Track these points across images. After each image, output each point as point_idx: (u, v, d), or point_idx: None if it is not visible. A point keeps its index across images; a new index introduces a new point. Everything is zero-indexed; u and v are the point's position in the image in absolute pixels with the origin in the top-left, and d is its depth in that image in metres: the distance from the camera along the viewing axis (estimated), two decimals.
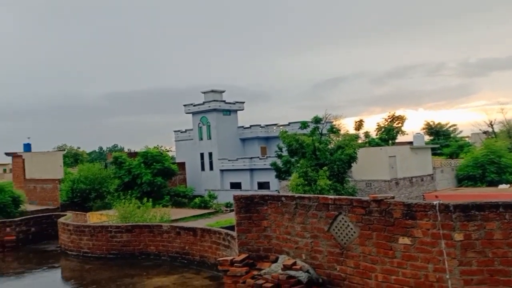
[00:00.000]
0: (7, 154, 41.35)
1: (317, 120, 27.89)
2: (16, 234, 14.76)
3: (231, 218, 27.68)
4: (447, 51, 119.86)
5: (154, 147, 40.65)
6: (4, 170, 56.92)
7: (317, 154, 25.95)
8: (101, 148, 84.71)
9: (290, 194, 8.74)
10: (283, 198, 8.23)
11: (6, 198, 24.94)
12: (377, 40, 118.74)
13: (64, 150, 62.06)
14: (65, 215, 15.80)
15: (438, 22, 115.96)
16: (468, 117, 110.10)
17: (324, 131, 28.33)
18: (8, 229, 14.73)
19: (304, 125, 28.75)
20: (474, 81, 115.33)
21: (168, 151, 50.89)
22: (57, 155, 44.53)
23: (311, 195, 7.92)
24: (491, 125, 50.22)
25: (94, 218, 26.13)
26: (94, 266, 11.98)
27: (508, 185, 31.41)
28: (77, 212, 25.97)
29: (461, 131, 56.22)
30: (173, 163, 40.26)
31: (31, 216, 16.72)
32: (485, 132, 51.01)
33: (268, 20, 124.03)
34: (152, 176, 34.72)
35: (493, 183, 32.93)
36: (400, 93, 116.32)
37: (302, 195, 8.03)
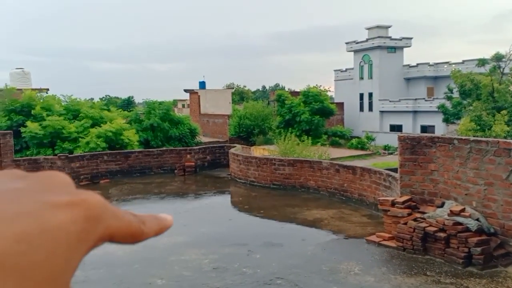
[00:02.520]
0: (185, 90, 46.46)
1: (498, 57, 24.49)
2: (195, 160, 16.81)
3: (388, 161, 26.98)
4: None
5: (314, 87, 41.04)
6: (183, 105, 64.44)
7: (494, 97, 23.07)
8: (264, 87, 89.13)
9: (464, 136, 8.03)
10: (455, 141, 7.62)
11: (185, 130, 28.40)
12: None
13: (233, 88, 67.05)
14: (235, 146, 17.32)
15: None
16: None
17: (506, 70, 24.82)
18: (188, 156, 16.86)
19: (481, 62, 25.57)
20: None
21: (326, 90, 51.01)
22: (226, 92, 48.33)
23: (490, 139, 7.16)
24: None
25: (257, 151, 28.17)
26: (259, 194, 13.04)
27: None
28: (243, 146, 28.26)
29: None
30: (332, 103, 40.30)
31: (207, 146, 18.80)
32: None
33: None
34: (310, 115, 35.46)
35: None
36: None
37: (479, 138, 7.32)
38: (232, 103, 49.86)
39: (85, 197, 0.35)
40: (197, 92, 44.28)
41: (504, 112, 21.69)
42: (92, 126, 21.08)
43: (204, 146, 19.11)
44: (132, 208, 11.68)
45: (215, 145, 19.57)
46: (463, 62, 39.09)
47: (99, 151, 17.63)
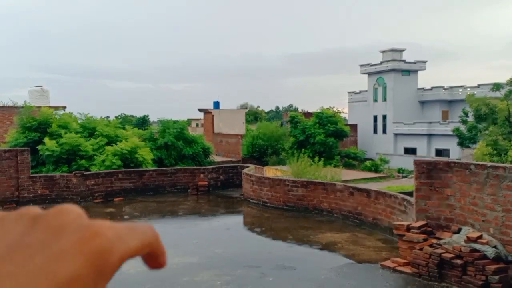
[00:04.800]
0: (199, 110, 46.87)
1: None
2: (208, 180, 16.85)
3: (403, 184, 26.68)
4: None
5: (327, 108, 41.08)
6: (197, 125, 64.95)
7: (511, 121, 22.82)
8: (277, 107, 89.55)
9: (481, 162, 7.96)
10: (472, 166, 7.55)
11: (198, 149, 28.53)
12: None
13: (246, 108, 67.46)
14: (248, 166, 17.33)
15: None
16: None
17: None
18: (202, 175, 16.92)
19: (496, 87, 25.44)
20: None
21: (340, 112, 51.01)
22: (240, 112, 48.62)
23: (507, 165, 7.08)
24: None
25: (270, 172, 28.11)
26: (272, 215, 12.98)
27: None
28: (256, 166, 28.24)
29: None
30: (345, 125, 40.24)
31: (220, 165, 18.87)
32: None
33: None
34: (324, 137, 35.42)
35: None
36: None
37: (496, 164, 7.24)
38: (246, 123, 50.05)
39: (94, 230, 0.36)
40: (211, 112, 44.63)
41: None
42: (107, 144, 21.31)
43: (217, 165, 19.17)
44: None
45: (228, 164, 19.62)
46: (478, 86, 38.88)
47: (114, 169, 17.79)
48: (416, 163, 8.53)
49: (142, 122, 56.49)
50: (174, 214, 13.36)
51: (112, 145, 20.74)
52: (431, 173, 8.24)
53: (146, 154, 21.32)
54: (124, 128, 24.44)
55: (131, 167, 19.76)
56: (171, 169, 17.29)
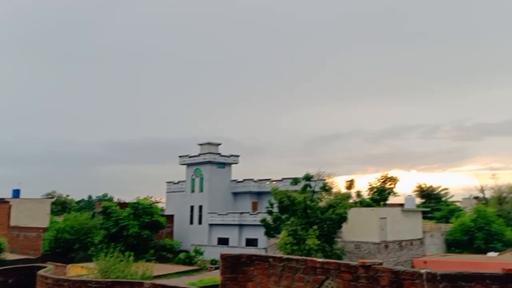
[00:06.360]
0: None
1: (307, 178, 27.87)
2: None
3: (215, 276, 26.82)
4: (444, 113, 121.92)
5: (144, 198, 40.16)
6: None
7: (308, 212, 25.71)
8: (90, 197, 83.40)
9: (278, 254, 8.54)
10: (270, 259, 7.99)
11: None
12: (374, 99, 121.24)
13: (53, 197, 60.93)
14: (46, 266, 15.19)
15: (436, 84, 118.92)
16: (460, 181, 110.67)
17: (317, 189, 28.23)
18: None
19: (295, 181, 28.71)
20: (468, 145, 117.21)
21: (158, 202, 50.16)
22: (45, 202, 43.76)
23: (299, 257, 7.71)
24: (482, 191, 50.45)
25: (74, 271, 25.25)
26: None
27: (497, 253, 31.07)
28: (57, 264, 25.11)
29: (452, 195, 56.16)
30: (162, 215, 39.64)
31: (10, 267, 16.11)
32: (476, 198, 51.15)
33: (264, 75, 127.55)
34: (139, 229, 34.02)
35: (481, 250, 32.74)
36: (394, 154, 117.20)
37: (290, 256, 7.82)
38: (52, 214, 45.05)
39: None
40: (8, 202, 39.16)
41: (315, 227, 24.16)
42: None
43: (6, 267, 16.35)
44: None
45: (21, 265, 16.92)
46: (282, 179, 43.34)
47: None
48: (222, 257, 8.65)
49: None
50: None
51: None
52: (236, 267, 8.43)
53: None
54: None
55: None
56: None
